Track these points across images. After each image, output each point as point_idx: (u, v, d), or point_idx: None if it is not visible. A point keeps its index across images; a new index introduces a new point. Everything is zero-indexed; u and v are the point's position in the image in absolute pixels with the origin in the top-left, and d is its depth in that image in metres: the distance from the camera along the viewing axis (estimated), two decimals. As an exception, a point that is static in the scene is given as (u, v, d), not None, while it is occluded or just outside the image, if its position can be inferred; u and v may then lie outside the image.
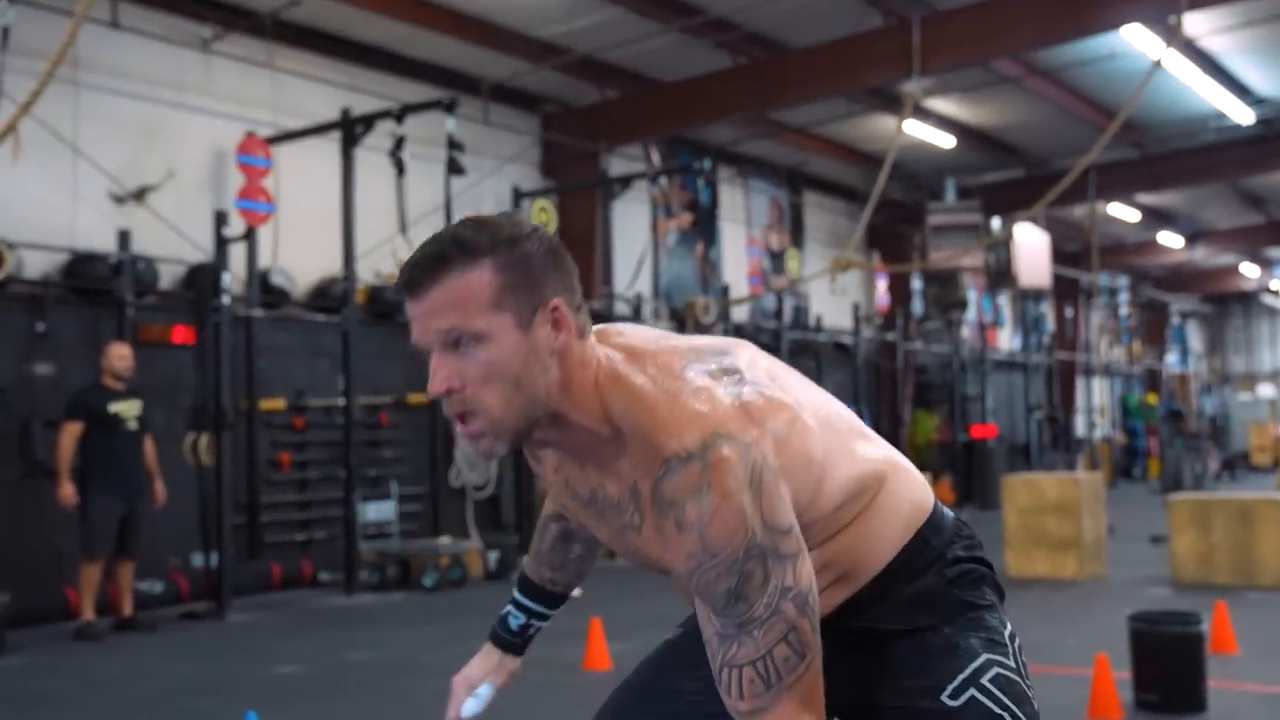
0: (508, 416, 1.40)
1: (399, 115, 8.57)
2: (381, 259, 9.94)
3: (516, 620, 1.93)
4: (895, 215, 16.32)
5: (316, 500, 9.64)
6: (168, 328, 8.68)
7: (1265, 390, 29.36)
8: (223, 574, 7.86)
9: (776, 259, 15.64)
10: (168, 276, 8.92)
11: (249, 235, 8.95)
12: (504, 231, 1.40)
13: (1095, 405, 22.88)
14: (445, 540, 9.66)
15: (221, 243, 8.18)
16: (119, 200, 8.70)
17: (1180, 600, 7.29)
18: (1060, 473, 12.94)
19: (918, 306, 17.38)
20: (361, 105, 9.32)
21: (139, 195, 8.74)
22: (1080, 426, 22.31)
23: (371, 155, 9.15)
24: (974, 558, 1.60)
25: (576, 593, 2.02)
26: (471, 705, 1.89)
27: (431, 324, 1.39)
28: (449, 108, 8.56)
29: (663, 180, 13.33)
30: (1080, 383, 22.52)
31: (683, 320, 12.42)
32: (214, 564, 8.01)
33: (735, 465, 1.33)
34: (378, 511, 9.70)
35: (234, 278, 8.66)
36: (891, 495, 1.54)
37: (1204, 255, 22.89)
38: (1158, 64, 9.42)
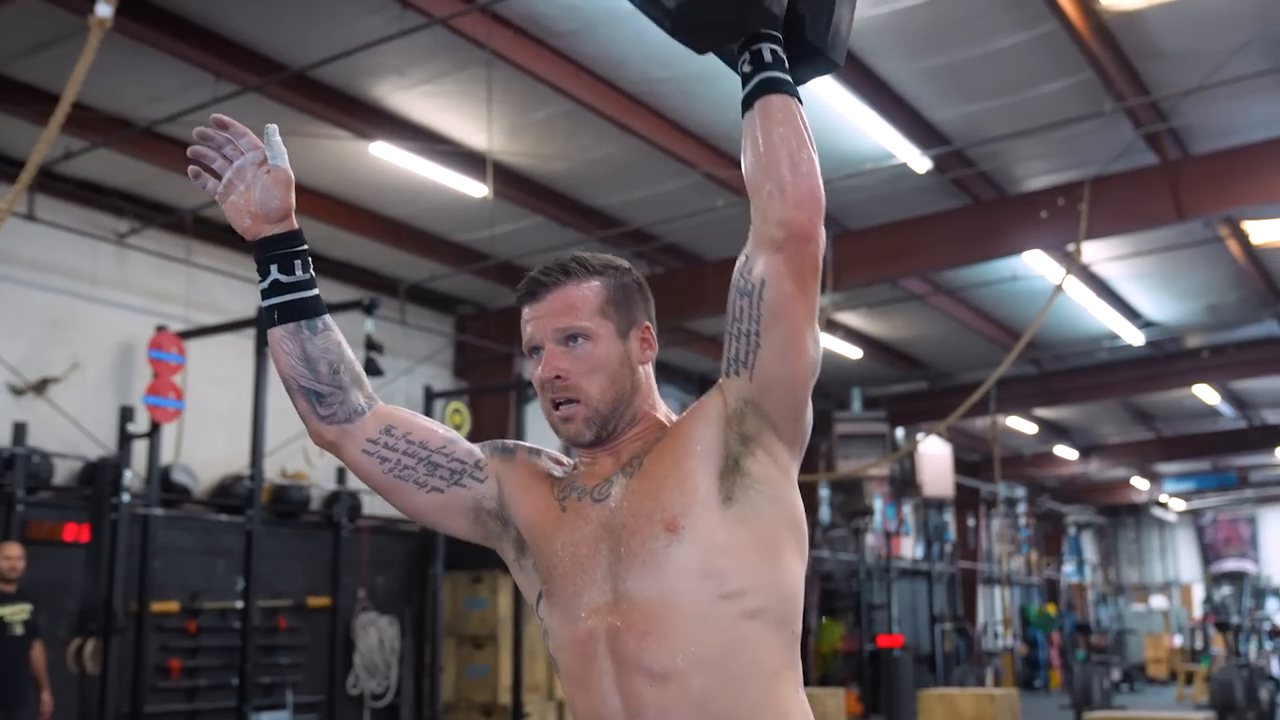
0: (601, 405, 1.68)
1: (317, 314, 8.50)
2: (288, 457, 9.72)
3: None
4: (802, 423, 16.54)
5: (206, 710, 9.12)
6: (58, 525, 8.30)
7: (1158, 601, 29.78)
8: (100, 793, 7.33)
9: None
10: (63, 471, 8.60)
11: (154, 431, 8.70)
12: (612, 263, 1.76)
13: (998, 615, 22.94)
14: (341, 755, 9.17)
15: (125, 438, 7.92)
16: (18, 392, 8.43)
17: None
18: (974, 688, 12.82)
19: (825, 514, 17.44)
20: (278, 302, 9.25)
21: (39, 387, 8.49)
22: (983, 637, 22.30)
23: (285, 353, 9.03)
24: None
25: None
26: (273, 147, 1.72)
27: (550, 323, 1.68)
28: (369, 309, 8.54)
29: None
30: (982, 592, 22.63)
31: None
32: (91, 782, 7.47)
33: None
34: (271, 723, 9.20)
35: (134, 474, 8.37)
36: None
37: (1097, 468, 23.49)
38: (1059, 288, 9.82)
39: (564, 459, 1.80)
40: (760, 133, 1.61)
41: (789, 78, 1.63)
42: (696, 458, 1.62)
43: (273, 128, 1.74)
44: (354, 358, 1.77)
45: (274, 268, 1.72)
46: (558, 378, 1.66)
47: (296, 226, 1.76)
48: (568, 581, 1.65)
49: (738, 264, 1.63)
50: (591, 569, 1.63)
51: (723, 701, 1.54)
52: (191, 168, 1.76)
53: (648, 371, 1.74)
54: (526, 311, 1.71)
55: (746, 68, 1.64)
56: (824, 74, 1.77)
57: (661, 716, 1.55)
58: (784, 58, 1.64)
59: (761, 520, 1.61)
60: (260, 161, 1.73)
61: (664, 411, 1.75)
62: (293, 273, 1.72)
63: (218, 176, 1.75)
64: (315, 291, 1.74)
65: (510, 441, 1.83)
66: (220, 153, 1.74)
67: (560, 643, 1.66)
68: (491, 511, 1.77)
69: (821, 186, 1.59)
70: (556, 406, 1.68)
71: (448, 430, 1.79)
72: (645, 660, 1.56)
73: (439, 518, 1.79)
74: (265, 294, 1.73)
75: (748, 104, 1.64)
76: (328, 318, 1.75)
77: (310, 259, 1.76)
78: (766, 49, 1.63)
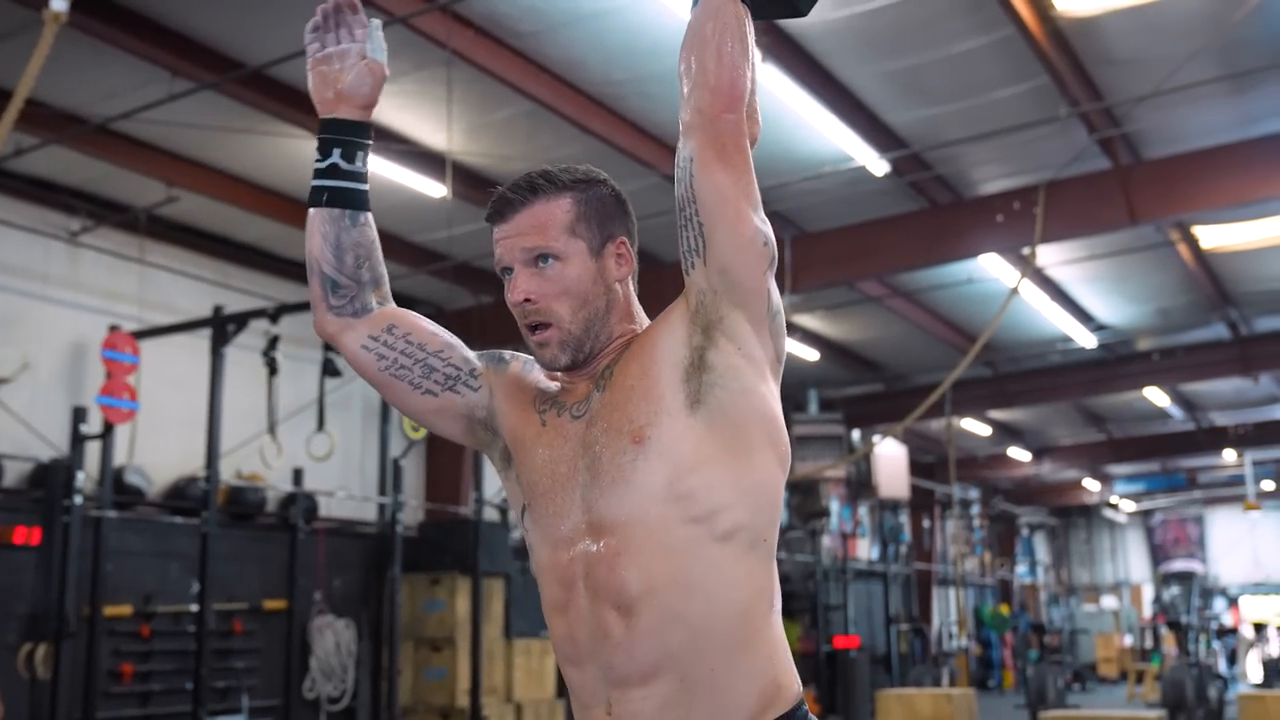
0: (574, 327, 1.65)
1: (274, 315, 8.44)
2: (243, 458, 9.62)
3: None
4: (760, 425, 16.59)
5: (159, 715, 9.01)
6: (8, 528, 8.16)
7: (1109, 602, 30.14)
8: (51, 800, 7.22)
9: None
10: (13, 473, 8.46)
11: (107, 433, 8.58)
12: (586, 175, 1.72)
13: (952, 616, 23.13)
14: (297, 759, 9.09)
15: (78, 439, 7.81)
16: (-32, 392, 8.29)
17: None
18: (931, 689, 12.91)
19: (782, 516, 17.50)
20: (231, 302, 9.17)
21: (-10, 388, 8.35)
22: (938, 637, 22.47)
23: (237, 353, 8.95)
24: None
25: None
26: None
27: (517, 243, 1.67)
28: (326, 309, 8.45)
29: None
30: (937, 592, 22.80)
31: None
32: (42, 788, 7.36)
33: None
34: (226, 728, 9.11)
35: (87, 476, 8.26)
36: None
37: (1050, 469, 23.75)
38: (1015, 291, 9.92)
39: (560, 375, 1.77)
40: (696, 25, 1.61)
41: None
42: (661, 363, 1.60)
43: (377, 22, 1.79)
44: (382, 259, 1.80)
45: (338, 151, 1.77)
46: (527, 300, 1.65)
47: (371, 120, 1.81)
48: (548, 500, 1.64)
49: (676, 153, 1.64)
50: (570, 489, 1.62)
51: (692, 631, 1.53)
52: (315, 20, 1.80)
53: (626, 288, 1.72)
54: (496, 231, 1.70)
55: None
56: (786, 17, 1.78)
57: (630, 645, 1.54)
58: None
59: (729, 420, 1.58)
60: (362, 54, 1.78)
61: (644, 326, 1.73)
62: (353, 162, 1.77)
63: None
64: (366, 187, 1.79)
65: (508, 351, 1.83)
66: (336, 32, 1.79)
67: (541, 564, 1.66)
68: (482, 421, 1.77)
69: (744, 79, 1.59)
70: (533, 331, 1.67)
71: (450, 336, 1.80)
72: (615, 588, 1.55)
73: (433, 420, 1.79)
74: (321, 174, 1.77)
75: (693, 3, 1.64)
76: (370, 215, 1.79)
77: (368, 156, 1.81)
78: None
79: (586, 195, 1.70)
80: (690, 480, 1.55)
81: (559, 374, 1.73)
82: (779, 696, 1.58)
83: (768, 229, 1.62)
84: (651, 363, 1.61)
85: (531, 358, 1.78)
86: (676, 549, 1.54)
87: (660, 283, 12.92)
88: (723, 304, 1.59)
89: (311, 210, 1.77)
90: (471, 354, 1.80)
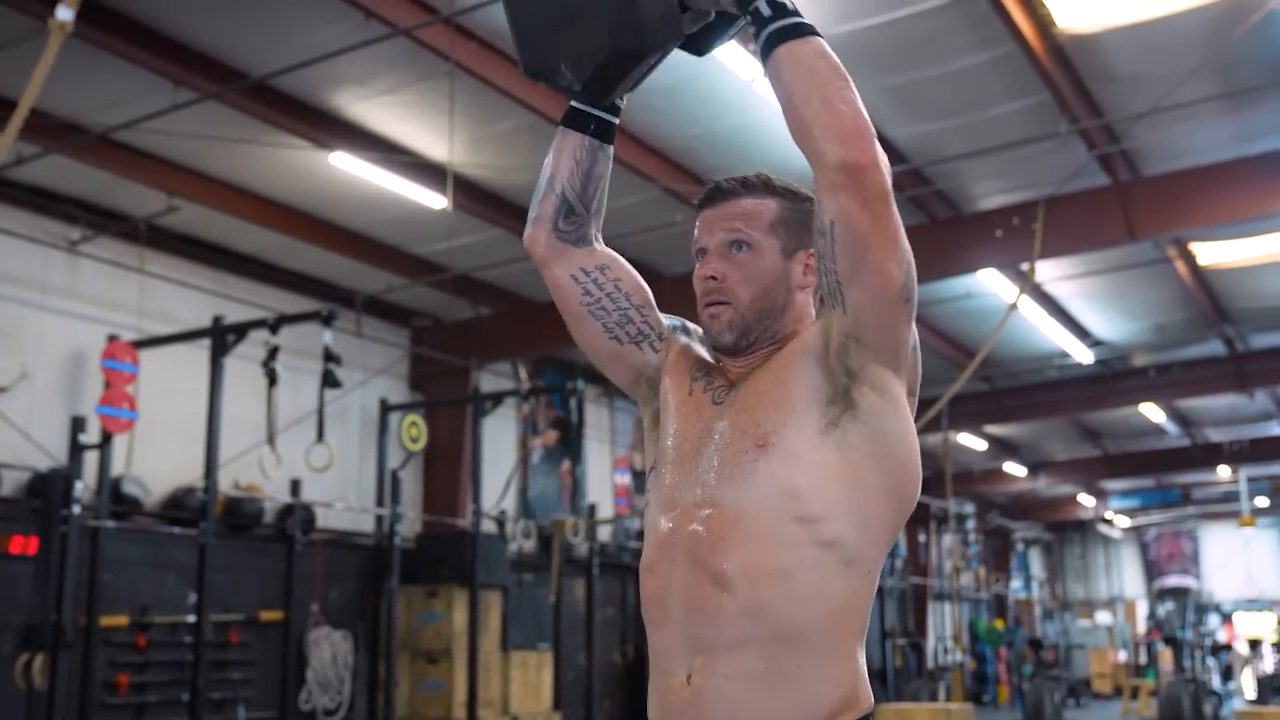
0: (749, 312, 1.71)
1: (274, 325, 8.44)
2: (241, 469, 9.60)
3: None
4: (757, 438, 16.61)
5: (154, 727, 8.98)
6: (5, 537, 8.14)
7: (1103, 617, 30.13)
8: (46, 811, 7.18)
9: (640, 478, 15.65)
10: (10, 483, 8.44)
11: (105, 443, 8.56)
12: (795, 188, 1.78)
13: (948, 630, 23.10)
14: (293, 772, 9.06)
15: (77, 449, 7.80)
16: (-34, 401, 8.27)
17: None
18: (929, 703, 12.90)
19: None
20: (230, 312, 9.17)
21: (-12, 397, 8.34)
22: (934, 652, 22.43)
23: (236, 363, 8.93)
24: None
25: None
26: None
27: (720, 227, 1.74)
28: (327, 320, 8.47)
29: (530, 398, 13.33)
30: (932, 607, 22.78)
31: (550, 539, 12.22)
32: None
33: None
34: (222, 740, 9.08)
35: (84, 486, 8.23)
36: None
37: (1045, 485, 23.76)
38: (1014, 307, 9.95)
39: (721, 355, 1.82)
40: (781, 90, 1.61)
41: (793, 20, 1.60)
42: (798, 379, 1.66)
43: None
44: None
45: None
46: (712, 278, 1.72)
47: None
48: (671, 471, 1.71)
49: (815, 207, 1.64)
50: (692, 467, 1.69)
51: (782, 620, 1.57)
52: None
53: (805, 298, 1.76)
54: (702, 215, 1.77)
55: (753, 34, 1.64)
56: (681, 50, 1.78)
57: (722, 619, 1.59)
58: (783, 3, 1.61)
59: (860, 452, 1.63)
60: None
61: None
62: (622, 99, 1.83)
63: None
64: (618, 121, 1.86)
65: (691, 324, 1.89)
66: None
67: (650, 524, 1.73)
68: (650, 380, 1.85)
69: (864, 114, 1.59)
70: (709, 305, 1.73)
71: (649, 293, 1.87)
72: (714, 564, 1.60)
73: (608, 364, 1.87)
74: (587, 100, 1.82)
75: (766, 67, 1.64)
76: (613, 150, 1.85)
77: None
78: (762, 5, 1.61)
79: (793, 204, 1.75)
80: (805, 486, 1.61)
81: (720, 354, 1.78)
82: (856, 705, 1.62)
83: (910, 276, 1.63)
84: (788, 375, 1.67)
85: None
86: (779, 540, 1.60)
87: (660, 294, 12.94)
88: (865, 352, 1.63)
89: (568, 131, 1.81)
90: (663, 317, 1.87)
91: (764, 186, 1.75)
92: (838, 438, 1.62)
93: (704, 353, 1.83)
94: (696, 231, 1.77)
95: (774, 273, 1.72)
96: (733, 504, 1.62)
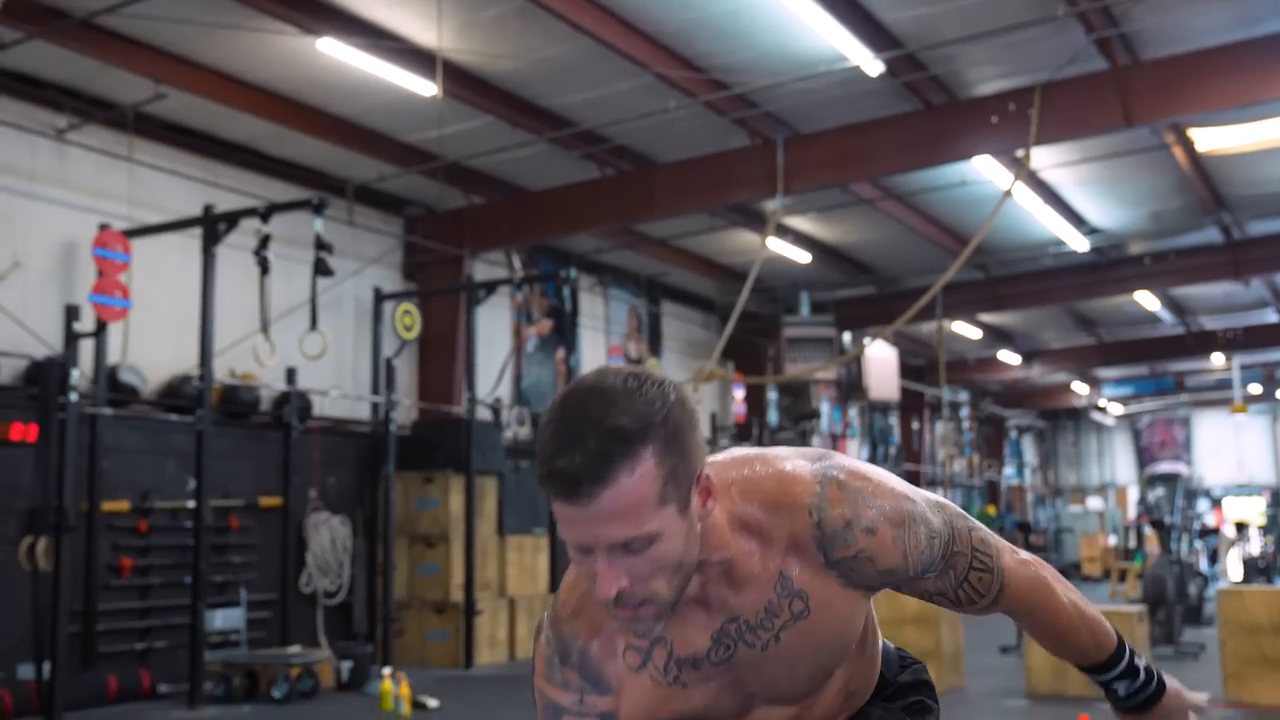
0: (673, 596, 1.42)
1: (265, 214, 8.42)
2: (236, 358, 9.67)
3: None
4: (750, 327, 16.63)
5: (158, 608, 9.18)
6: (4, 424, 8.24)
7: (1094, 503, 30.57)
8: (55, 687, 7.39)
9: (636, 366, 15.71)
10: (7, 371, 8.51)
11: (100, 331, 8.60)
12: (654, 407, 1.34)
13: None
14: (295, 649, 9.29)
15: (71, 338, 7.85)
16: (-40, 290, 8.30)
17: (1039, 712, 7.43)
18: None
19: (773, 417, 17.66)
20: (220, 201, 9.14)
21: (-18, 286, 8.36)
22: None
23: (228, 252, 8.93)
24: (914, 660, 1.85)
25: None
26: None
27: (601, 532, 1.34)
28: (318, 208, 8.45)
29: (524, 286, 13.35)
30: (925, 494, 23.10)
31: (544, 426, 12.33)
32: (44, 676, 7.52)
33: (858, 469, 1.53)
34: (225, 619, 9.29)
35: (81, 374, 8.30)
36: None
37: (1039, 373, 23.91)
38: (1008, 194, 9.90)
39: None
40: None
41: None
42: (845, 621, 1.56)
43: None
44: None
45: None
46: (622, 593, 1.38)
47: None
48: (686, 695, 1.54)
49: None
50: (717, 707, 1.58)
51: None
52: None
53: (707, 514, 1.43)
54: (564, 509, 1.35)
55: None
56: None
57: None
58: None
59: (870, 629, 1.70)
60: None
61: (726, 502, 1.48)
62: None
63: None
64: None
65: (573, 644, 1.53)
66: None
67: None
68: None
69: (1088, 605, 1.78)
70: (624, 611, 1.41)
71: None
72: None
73: None
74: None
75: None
76: None
77: None
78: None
79: (664, 438, 1.34)
80: (849, 682, 1.70)
81: None
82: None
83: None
84: (835, 620, 1.54)
85: (586, 621, 1.53)
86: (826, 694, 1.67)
87: (652, 182, 12.81)
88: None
89: None
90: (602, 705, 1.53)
91: (627, 444, 1.31)
92: (862, 641, 1.67)
93: (615, 632, 1.52)
94: (565, 529, 1.37)
95: (682, 539, 1.38)
96: (801, 690, 1.62)
